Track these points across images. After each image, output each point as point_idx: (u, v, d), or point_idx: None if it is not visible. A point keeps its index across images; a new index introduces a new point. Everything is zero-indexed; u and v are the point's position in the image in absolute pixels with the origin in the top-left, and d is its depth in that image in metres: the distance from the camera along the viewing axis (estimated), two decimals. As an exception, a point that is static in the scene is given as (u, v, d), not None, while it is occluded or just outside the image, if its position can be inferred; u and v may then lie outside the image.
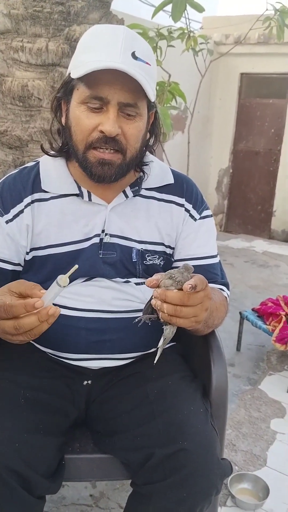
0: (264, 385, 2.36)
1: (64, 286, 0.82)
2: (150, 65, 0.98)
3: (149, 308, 0.93)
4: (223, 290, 1.18)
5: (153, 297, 0.87)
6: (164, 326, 0.92)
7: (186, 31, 2.78)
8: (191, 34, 2.78)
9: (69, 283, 1.06)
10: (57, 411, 1.05)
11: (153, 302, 0.87)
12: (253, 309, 2.67)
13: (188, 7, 2.43)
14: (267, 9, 2.95)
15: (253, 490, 1.65)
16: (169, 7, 2.49)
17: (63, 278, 0.82)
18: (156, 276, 0.86)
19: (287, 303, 2.61)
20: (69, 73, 1.01)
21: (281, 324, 2.42)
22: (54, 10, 1.88)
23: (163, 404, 1.02)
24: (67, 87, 1.02)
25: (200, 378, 1.15)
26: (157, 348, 0.96)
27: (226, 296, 1.18)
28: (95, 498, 1.58)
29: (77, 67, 0.97)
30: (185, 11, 2.43)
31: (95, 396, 1.14)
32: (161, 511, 0.96)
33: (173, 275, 0.85)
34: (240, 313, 2.64)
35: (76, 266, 0.84)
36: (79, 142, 1.01)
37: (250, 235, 5.55)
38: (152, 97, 0.99)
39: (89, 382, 1.14)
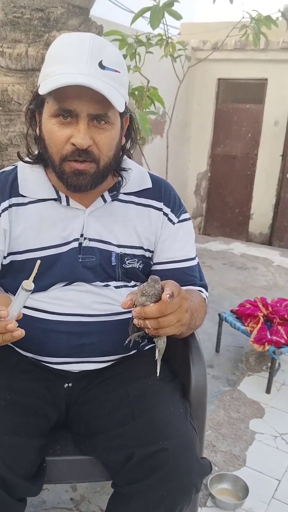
0: (243, 386, 2.39)
1: (29, 290, 0.83)
2: (119, 72, 0.99)
3: (134, 327, 0.94)
4: (202, 292, 1.20)
5: (133, 317, 0.89)
6: (154, 339, 0.95)
7: (164, 38, 2.82)
8: (169, 41, 2.82)
9: (49, 288, 1.07)
10: (37, 413, 1.06)
11: (135, 322, 0.89)
12: (231, 311, 2.71)
13: (166, 14, 2.47)
14: (243, 17, 3.01)
15: (232, 490, 1.68)
16: (148, 14, 2.52)
17: (27, 282, 0.83)
18: (129, 296, 0.88)
19: (265, 305, 2.66)
20: (38, 86, 1.01)
21: (259, 325, 2.46)
22: (34, 16, 1.89)
23: (143, 404, 1.04)
24: (38, 99, 1.03)
25: (180, 378, 1.17)
26: (156, 360, 0.99)
27: (205, 297, 1.20)
28: (76, 501, 1.59)
29: (45, 79, 0.98)
30: (163, 18, 2.47)
31: (76, 398, 1.15)
32: (141, 510, 0.98)
33: (145, 291, 0.86)
34: (219, 314, 2.68)
35: (39, 261, 0.85)
36: (54, 154, 1.02)
37: (228, 237, 5.62)
38: (121, 107, 0.99)
39: (70, 384, 1.15)
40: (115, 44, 2.71)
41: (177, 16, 2.45)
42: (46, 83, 0.96)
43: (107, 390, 1.11)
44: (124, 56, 2.69)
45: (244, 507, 1.62)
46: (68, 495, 1.61)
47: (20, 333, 0.81)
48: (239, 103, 5.43)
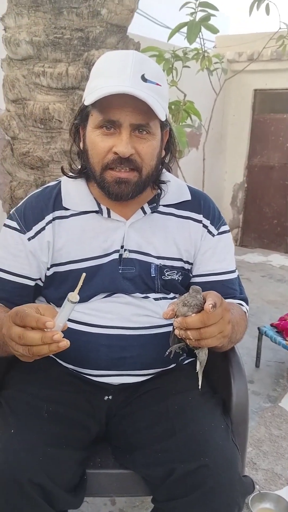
0: (285, 402, 2.33)
1: (75, 302, 0.84)
2: (160, 85, 1.02)
3: (175, 338, 0.94)
4: (242, 305, 1.19)
5: (174, 328, 0.89)
6: (196, 351, 0.94)
7: (200, 52, 2.84)
8: (206, 54, 2.83)
9: (90, 300, 1.09)
10: (78, 426, 1.07)
11: (176, 332, 0.88)
12: (271, 325, 2.65)
13: (202, 28, 2.49)
14: (280, 28, 3.00)
15: (274, 510, 1.63)
16: (184, 29, 2.55)
17: (72, 294, 0.84)
18: (171, 307, 0.88)
19: (306, 319, 2.60)
20: (84, 100, 1.06)
21: (300, 340, 2.40)
22: (73, 36, 1.95)
23: (183, 420, 1.03)
24: (83, 113, 1.07)
25: (220, 394, 1.16)
26: (197, 372, 0.98)
27: (245, 311, 1.19)
28: (115, 515, 1.58)
29: (90, 93, 1.02)
30: (200, 32, 2.49)
31: (116, 411, 1.15)
32: (182, 527, 0.97)
33: (187, 301, 0.86)
34: (259, 328, 2.63)
35: (84, 274, 0.86)
36: (95, 164, 1.05)
37: (267, 249, 5.53)
38: (162, 116, 1.02)
39: (110, 397, 1.15)
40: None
41: (214, 30, 2.47)
42: (91, 96, 1.01)
43: (146, 404, 1.11)
44: (161, 71, 2.73)
45: (286, 528, 1.57)
46: (107, 509, 1.60)
47: (66, 343, 0.82)
48: (275, 113, 5.37)
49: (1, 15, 2.07)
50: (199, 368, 0.96)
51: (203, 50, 2.84)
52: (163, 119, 1.03)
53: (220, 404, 1.12)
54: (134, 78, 0.98)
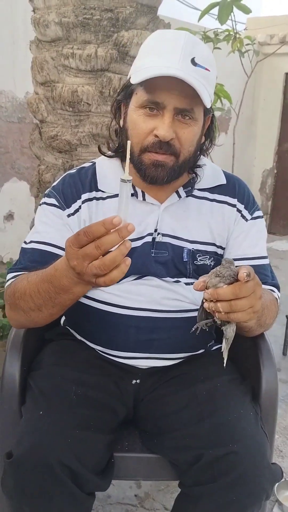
0: (312, 391, 2.30)
1: (129, 180, 0.80)
2: (209, 70, 1.00)
3: (203, 314, 0.92)
4: (274, 291, 1.16)
5: (204, 300, 0.87)
6: (223, 328, 0.91)
7: (232, 33, 2.76)
8: (237, 36, 2.75)
9: (121, 281, 1.07)
10: (106, 409, 1.07)
11: (205, 305, 0.86)
12: (300, 313, 2.61)
13: (234, 9, 2.42)
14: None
15: (301, 498, 1.61)
16: (214, 10, 2.48)
17: (125, 174, 0.80)
18: (202, 278, 0.86)
19: None
20: (129, 77, 1.04)
21: None
22: (103, 17, 1.92)
23: (212, 406, 1.02)
24: (127, 91, 1.06)
25: (249, 381, 1.14)
26: (221, 352, 0.95)
27: (277, 297, 1.16)
28: (140, 498, 1.59)
29: (137, 71, 1.01)
30: (231, 13, 2.42)
31: (143, 396, 1.15)
32: (210, 512, 0.96)
33: (220, 272, 0.83)
34: (287, 316, 2.59)
35: (129, 142, 0.83)
36: (135, 145, 1.03)
37: (296, 237, 5.42)
38: (208, 103, 1.00)
39: (138, 381, 1.15)
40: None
41: (246, 10, 2.39)
42: (139, 74, 0.99)
43: (175, 389, 1.11)
44: (191, 53, 2.67)
45: (313, 518, 1.55)
46: (133, 492, 1.62)
47: (132, 226, 0.79)
48: (308, 97, 5.22)
49: (30, -3, 2.05)
50: (225, 346, 0.93)
51: (235, 31, 2.76)
52: (208, 106, 1.01)
53: (249, 391, 1.11)
54: (184, 61, 0.96)
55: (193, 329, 0.95)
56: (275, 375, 1.13)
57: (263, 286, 1.13)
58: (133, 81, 1.00)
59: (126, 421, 1.15)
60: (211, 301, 0.84)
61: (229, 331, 0.91)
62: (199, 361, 1.17)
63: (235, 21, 2.66)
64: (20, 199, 3.50)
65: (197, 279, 1.11)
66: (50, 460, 0.90)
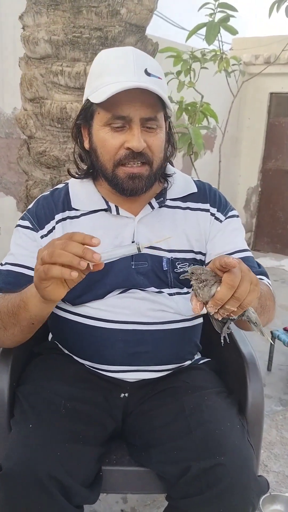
0: (296, 406, 2.32)
1: (139, 251, 0.85)
2: (161, 79, 1.05)
3: (219, 323, 0.91)
4: (263, 279, 1.16)
5: (211, 314, 0.86)
6: (243, 318, 0.90)
7: (218, 53, 2.84)
8: (224, 56, 2.83)
9: (106, 296, 1.09)
10: (95, 422, 1.07)
11: (217, 317, 0.85)
12: (284, 329, 2.64)
13: (221, 29, 2.49)
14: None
15: (286, 512, 1.62)
16: (201, 30, 2.55)
17: (144, 244, 0.86)
18: (194, 300, 0.86)
19: None
20: (87, 99, 1.06)
21: (314, 344, 2.38)
22: (92, 36, 1.96)
23: (199, 418, 1.03)
24: (87, 113, 1.07)
25: (236, 394, 1.15)
26: (261, 334, 0.93)
27: (268, 283, 1.16)
28: (127, 513, 1.58)
29: (96, 91, 1.02)
30: (218, 34, 2.49)
31: (132, 409, 1.15)
32: (197, 526, 0.96)
33: (202, 280, 0.83)
34: (272, 332, 2.62)
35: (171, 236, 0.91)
36: (106, 161, 1.05)
37: (280, 254, 5.49)
38: (171, 107, 1.05)
39: (126, 394, 1.16)
40: (170, 61, 2.77)
41: (233, 31, 2.46)
42: (99, 93, 1.01)
43: (163, 402, 1.11)
44: (179, 72, 2.73)
45: (298, 532, 1.56)
46: (119, 507, 1.60)
47: (101, 265, 0.84)
48: (291, 117, 5.35)
49: (20, 14, 2.09)
50: (257, 329, 0.91)
51: (221, 51, 2.84)
52: (171, 110, 1.05)
53: (236, 404, 1.12)
54: (139, 73, 1.00)
55: (222, 340, 0.94)
56: (261, 389, 1.14)
57: None
58: (96, 100, 1.01)
59: (114, 435, 1.15)
60: (219, 309, 0.83)
61: (252, 316, 0.89)
62: (186, 374, 1.18)
63: (221, 41, 2.74)
64: (6, 214, 3.49)
65: (180, 288, 1.13)
66: (39, 473, 0.90)
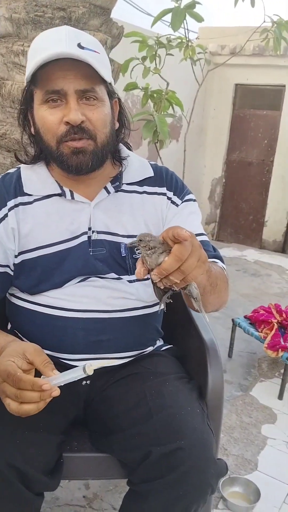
0: (255, 392, 2.38)
1: (86, 375, 0.86)
2: (99, 53, 1.02)
3: (160, 291, 0.91)
4: (217, 262, 1.16)
5: (153, 281, 0.85)
6: (185, 291, 0.89)
7: (184, 40, 2.83)
8: (189, 44, 2.82)
9: (64, 285, 1.07)
10: (57, 410, 1.05)
11: (159, 285, 0.84)
12: (245, 317, 2.69)
13: (187, 17, 2.48)
14: (264, 21, 3.01)
15: (244, 494, 1.67)
16: (167, 17, 2.53)
17: (90, 368, 0.86)
18: (139, 264, 0.84)
19: (279, 311, 2.64)
20: (26, 83, 1.04)
21: (273, 332, 2.44)
22: (55, 16, 1.90)
23: (160, 404, 1.04)
24: (27, 95, 1.05)
25: (196, 380, 1.17)
26: (199, 310, 0.93)
27: (222, 267, 1.15)
28: (88, 499, 1.58)
29: (28, 70, 1.01)
30: (184, 21, 2.48)
31: (94, 396, 1.15)
32: (157, 509, 0.97)
33: (150, 247, 0.82)
34: (233, 320, 2.67)
35: (114, 362, 0.93)
36: (50, 140, 1.03)
37: (242, 244, 5.60)
38: (108, 77, 1.02)
39: (88, 382, 1.15)
40: (135, 46, 2.74)
41: (199, 18, 2.46)
42: (30, 71, 0.99)
43: (124, 389, 1.11)
44: (144, 58, 2.70)
45: (255, 511, 1.61)
46: (81, 493, 1.60)
47: (57, 393, 0.86)
48: (256, 109, 5.43)
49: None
50: (197, 304, 0.91)
51: (187, 39, 2.83)
52: (108, 79, 1.02)
53: (196, 389, 1.13)
54: (71, 46, 0.97)
55: (160, 308, 0.94)
56: (221, 374, 1.16)
57: None
58: (27, 78, 1.01)
59: (76, 422, 1.14)
60: (162, 278, 0.82)
61: (193, 290, 0.89)
62: (147, 360, 1.19)
63: (187, 29, 2.73)
64: None
65: None
66: None
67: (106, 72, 1.02)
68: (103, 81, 1.02)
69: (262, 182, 5.50)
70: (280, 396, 2.32)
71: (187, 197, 1.19)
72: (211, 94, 5.43)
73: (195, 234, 1.14)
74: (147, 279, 0.88)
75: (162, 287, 0.85)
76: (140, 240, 0.84)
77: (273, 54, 4.61)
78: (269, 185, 5.43)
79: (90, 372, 0.85)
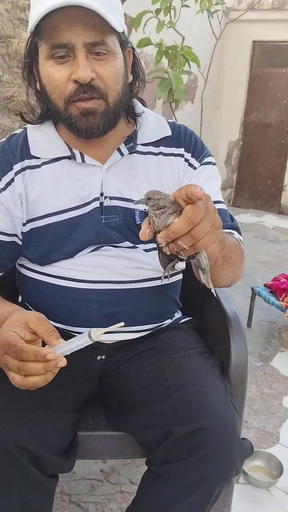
0: (276, 362, 2.32)
1: (93, 341, 0.78)
2: None
3: (165, 258, 0.83)
4: (233, 234, 1.07)
5: (159, 245, 0.76)
6: (193, 260, 0.82)
7: (200, -10, 2.64)
8: (206, -5, 2.64)
9: (76, 255, 1.00)
10: (70, 387, 1.01)
11: (165, 250, 0.75)
12: (265, 285, 2.61)
13: None
14: None
15: (266, 468, 1.63)
16: None
17: (96, 333, 0.77)
18: (145, 224, 0.75)
19: (301, 279, 2.55)
20: (29, 34, 0.93)
21: (295, 300, 2.36)
22: None
23: (180, 380, 0.97)
24: (31, 48, 0.94)
25: (218, 354, 1.10)
26: (206, 284, 0.86)
27: (238, 239, 1.07)
28: (106, 473, 1.56)
29: (31, 20, 0.89)
30: None
31: (109, 371, 1.09)
32: (178, 491, 0.92)
33: (160, 206, 0.73)
34: (252, 288, 2.59)
35: (122, 323, 0.80)
36: (57, 99, 0.93)
37: (260, 210, 5.45)
38: (119, 27, 0.90)
39: (103, 357, 1.09)
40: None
41: None
42: (32, 22, 0.88)
43: (142, 363, 1.05)
44: (158, 11, 2.53)
45: (277, 486, 1.57)
46: (98, 466, 1.58)
47: (63, 362, 0.77)
48: (274, 68, 5.16)
49: None
50: (204, 277, 0.83)
51: (204, -11, 2.64)
52: (119, 29, 0.91)
53: (218, 364, 1.06)
54: None
55: (163, 277, 0.86)
56: (245, 349, 1.09)
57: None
58: (30, 30, 0.90)
59: (91, 398, 1.09)
60: (170, 242, 0.73)
61: (203, 260, 0.81)
62: (165, 334, 1.12)
63: (203, -21, 2.54)
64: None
65: (155, 242, 1.03)
66: (8, 444, 0.84)
67: (118, 21, 0.90)
68: (115, 30, 0.91)
69: (281, 145, 5.30)
70: (302, 366, 2.26)
71: (206, 160, 1.09)
72: (228, 53, 5.17)
73: (213, 201, 1.06)
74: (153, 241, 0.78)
75: (168, 253, 0.77)
76: (149, 198, 0.75)
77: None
78: (289, 148, 5.23)
79: (96, 338, 0.77)
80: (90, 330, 0.78)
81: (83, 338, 0.78)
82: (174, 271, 0.85)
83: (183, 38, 2.55)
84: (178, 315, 1.22)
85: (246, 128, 5.49)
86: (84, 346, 0.79)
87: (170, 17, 2.53)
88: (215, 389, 0.96)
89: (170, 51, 2.46)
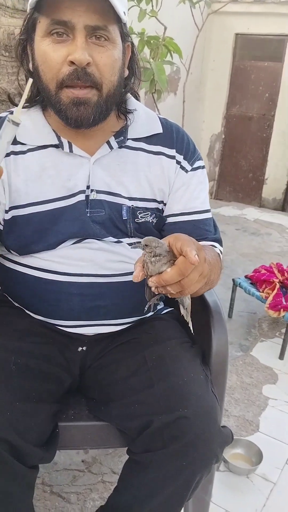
0: (256, 352, 2.35)
1: (16, 124, 0.74)
2: None
3: (151, 292, 0.86)
4: (215, 246, 1.10)
5: (148, 285, 0.81)
6: (178, 299, 0.88)
7: (182, -19, 2.62)
8: (188, -15, 2.62)
9: (58, 247, 0.98)
10: (50, 378, 1.00)
11: (153, 289, 0.81)
12: (246, 276, 2.63)
13: None
14: None
15: (246, 455, 1.65)
16: None
17: (15, 114, 0.74)
18: (138, 268, 0.79)
19: (281, 271, 2.58)
20: (29, 9, 0.91)
21: (275, 291, 2.39)
22: None
23: (162, 370, 0.98)
24: (29, 24, 0.92)
25: (199, 344, 1.11)
26: (185, 317, 0.92)
27: (219, 252, 1.10)
28: (87, 463, 1.56)
29: None
30: None
31: (91, 363, 1.09)
32: (159, 480, 0.93)
33: (156, 254, 0.78)
34: (233, 280, 2.61)
35: (31, 80, 0.78)
36: (49, 81, 0.91)
37: (241, 203, 5.48)
38: (123, 16, 0.89)
39: (84, 348, 1.08)
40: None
41: None
42: None
43: (123, 355, 1.05)
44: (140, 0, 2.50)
45: (257, 473, 1.59)
46: (80, 457, 1.58)
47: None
48: (257, 61, 5.17)
49: None
50: (186, 314, 0.90)
51: (186, -21, 2.62)
52: (124, 19, 0.89)
53: (199, 354, 1.07)
54: None
55: (146, 308, 0.91)
56: (226, 338, 1.10)
57: (204, 242, 1.07)
58: (32, 4, 0.88)
59: (72, 389, 1.09)
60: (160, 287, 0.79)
61: (186, 300, 0.87)
62: (147, 325, 1.12)
63: None
64: None
65: (140, 238, 1.04)
66: None
67: (123, 10, 0.89)
68: (117, 19, 0.89)
69: (262, 138, 5.33)
70: (281, 356, 2.29)
71: (197, 164, 1.09)
72: (210, 45, 5.16)
73: (200, 211, 1.08)
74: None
75: (156, 292, 0.82)
76: (146, 245, 0.79)
77: (276, 1, 4.34)
78: (270, 141, 5.26)
79: (15, 119, 0.74)
80: (7, 116, 0.73)
81: (4, 127, 0.74)
82: (158, 303, 0.90)
83: (165, 28, 2.54)
84: (160, 306, 1.22)
85: (228, 121, 5.50)
86: (12, 136, 0.76)
87: (152, 6, 2.51)
88: (196, 378, 0.97)
89: (152, 41, 2.45)
